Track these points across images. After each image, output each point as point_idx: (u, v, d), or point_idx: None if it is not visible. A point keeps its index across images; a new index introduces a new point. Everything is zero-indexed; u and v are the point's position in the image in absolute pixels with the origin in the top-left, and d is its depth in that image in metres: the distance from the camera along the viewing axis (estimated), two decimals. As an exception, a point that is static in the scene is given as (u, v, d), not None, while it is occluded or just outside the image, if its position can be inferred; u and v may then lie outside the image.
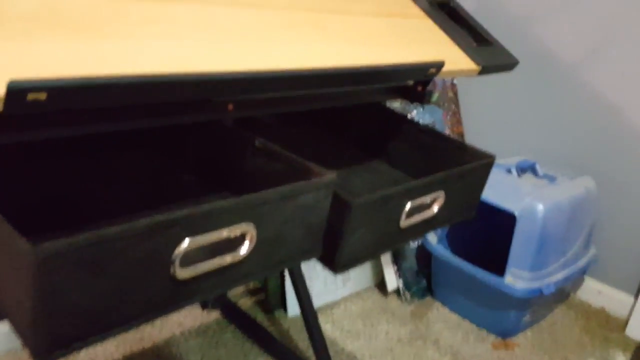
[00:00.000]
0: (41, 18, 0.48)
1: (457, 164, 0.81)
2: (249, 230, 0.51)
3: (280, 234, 0.55)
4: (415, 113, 1.82)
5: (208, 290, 0.51)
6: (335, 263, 0.62)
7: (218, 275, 0.51)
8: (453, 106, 1.98)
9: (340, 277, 1.61)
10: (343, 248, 0.62)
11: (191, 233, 0.47)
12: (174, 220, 0.45)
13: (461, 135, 1.99)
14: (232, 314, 1.46)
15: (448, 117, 1.96)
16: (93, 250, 0.40)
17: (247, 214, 0.51)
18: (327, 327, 1.49)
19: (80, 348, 0.44)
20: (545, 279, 1.45)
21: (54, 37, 0.47)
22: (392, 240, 0.69)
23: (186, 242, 0.46)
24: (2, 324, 1.21)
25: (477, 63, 0.88)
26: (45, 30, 0.48)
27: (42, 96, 0.44)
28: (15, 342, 1.27)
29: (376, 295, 1.66)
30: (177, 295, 0.48)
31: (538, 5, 1.75)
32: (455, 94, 1.99)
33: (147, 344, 1.34)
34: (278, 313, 1.52)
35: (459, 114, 2.00)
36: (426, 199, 0.70)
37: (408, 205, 0.68)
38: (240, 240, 0.52)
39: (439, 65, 0.78)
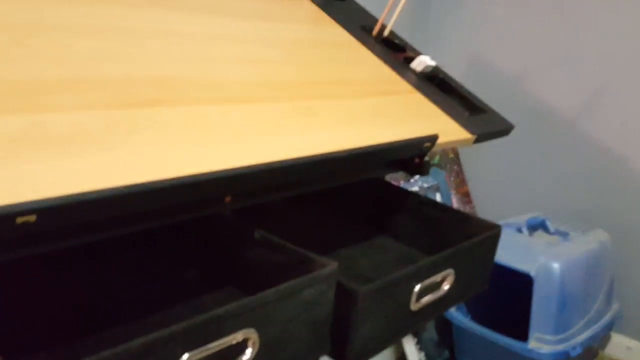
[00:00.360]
0: (29, 137, 0.49)
1: (463, 235, 0.79)
2: (250, 335, 0.49)
3: (284, 334, 0.53)
4: (418, 177, 1.81)
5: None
6: (346, 358, 0.59)
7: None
8: (455, 167, 1.98)
9: (358, 355, 1.55)
10: (353, 340, 0.59)
11: (189, 347, 0.45)
12: (170, 336, 0.43)
13: (466, 195, 1.97)
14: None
15: (451, 178, 1.95)
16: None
17: (247, 319, 0.49)
18: (349, 410, 1.42)
19: None
20: (570, 340, 1.39)
21: (42, 156, 0.47)
22: (405, 325, 0.66)
23: (184, 358, 0.44)
24: None
25: (472, 132, 0.88)
26: (34, 149, 0.48)
27: (32, 218, 0.43)
28: None
29: (397, 370, 1.60)
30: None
31: (530, 60, 1.78)
32: (457, 154, 2.00)
33: None
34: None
35: (463, 174, 1.99)
36: (436, 278, 0.68)
37: (417, 288, 0.65)
38: (242, 346, 0.49)
39: (433, 139, 0.78)
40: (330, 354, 0.61)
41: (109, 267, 0.72)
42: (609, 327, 1.54)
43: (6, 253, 0.52)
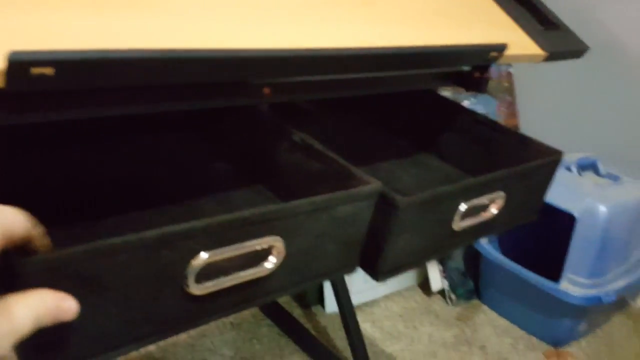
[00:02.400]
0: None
1: (518, 160, 0.72)
2: (275, 244, 0.44)
3: (311, 248, 0.48)
4: (467, 103, 1.71)
5: (228, 308, 0.45)
6: (377, 270, 0.55)
7: (239, 292, 0.45)
8: (508, 97, 1.86)
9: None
10: (387, 253, 0.55)
11: (207, 247, 0.40)
12: (188, 233, 0.38)
13: (515, 128, 1.87)
14: (269, 308, 1.41)
15: (502, 108, 1.85)
16: (91, 264, 0.35)
17: (274, 227, 0.44)
18: (367, 326, 1.42)
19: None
20: (604, 286, 1.34)
21: (66, 8, 0.42)
22: (443, 245, 0.61)
23: (201, 258, 0.40)
24: None
25: (544, 48, 0.78)
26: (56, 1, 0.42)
27: (49, 71, 0.38)
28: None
29: (419, 295, 1.58)
30: (193, 313, 0.42)
31: (607, -12, 1.61)
32: (511, 83, 1.87)
33: (181, 334, 1.31)
34: (316, 309, 1.46)
35: (514, 105, 1.88)
36: (484, 199, 0.62)
37: (463, 207, 0.60)
38: (265, 254, 0.45)
39: (501, 49, 0.70)
40: (361, 265, 0.57)
41: (134, 147, 0.69)
42: (647, 279, 1.47)
43: (23, 114, 0.48)
